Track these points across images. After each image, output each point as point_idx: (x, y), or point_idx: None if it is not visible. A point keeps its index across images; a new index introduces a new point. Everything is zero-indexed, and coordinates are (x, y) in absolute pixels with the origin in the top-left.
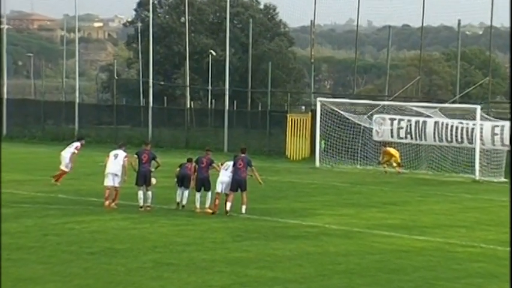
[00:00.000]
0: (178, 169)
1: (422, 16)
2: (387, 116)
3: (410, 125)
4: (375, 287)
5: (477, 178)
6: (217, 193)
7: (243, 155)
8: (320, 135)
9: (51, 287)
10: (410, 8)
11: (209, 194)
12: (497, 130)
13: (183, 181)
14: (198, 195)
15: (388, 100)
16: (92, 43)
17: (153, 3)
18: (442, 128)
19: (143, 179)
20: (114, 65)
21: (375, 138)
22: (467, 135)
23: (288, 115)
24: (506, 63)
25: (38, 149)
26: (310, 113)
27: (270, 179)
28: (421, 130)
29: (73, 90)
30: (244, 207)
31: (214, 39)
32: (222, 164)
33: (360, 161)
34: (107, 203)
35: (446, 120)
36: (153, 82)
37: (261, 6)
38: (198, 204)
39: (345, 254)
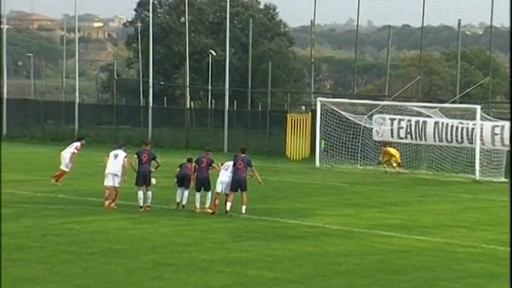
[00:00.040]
0: (178, 169)
1: (422, 16)
2: (387, 116)
3: (411, 125)
4: None
5: (477, 178)
6: (217, 193)
7: (243, 155)
8: (320, 135)
9: (51, 287)
10: (411, 8)
11: (209, 194)
12: (498, 130)
13: (183, 181)
14: (198, 195)
15: (388, 100)
16: (91, 43)
17: (153, 3)
18: (442, 128)
19: (143, 179)
20: (114, 65)
21: (375, 138)
22: (467, 135)
23: (288, 115)
24: (506, 63)
25: (38, 149)
26: (310, 113)
27: (270, 179)
28: (421, 130)
29: (73, 90)
30: (244, 207)
31: (214, 39)
32: (222, 164)
33: (360, 161)
34: (106, 203)
35: (446, 120)
36: (153, 82)
37: (261, 6)
38: (198, 205)
39: (345, 254)
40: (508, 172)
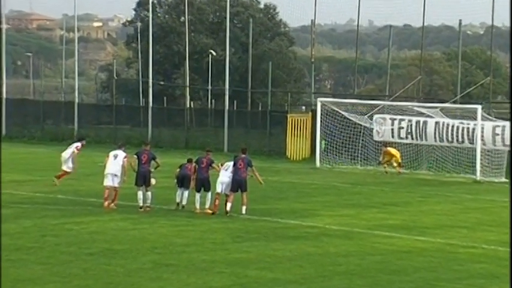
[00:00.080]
0: (178, 170)
1: (423, 16)
2: (388, 116)
3: (411, 125)
4: None
5: (478, 178)
6: (217, 193)
7: (243, 155)
8: (320, 136)
9: None
10: (411, 8)
11: (209, 194)
12: (499, 130)
13: (183, 181)
14: (198, 195)
15: (388, 100)
16: (91, 43)
17: (152, 2)
18: (443, 128)
19: (143, 180)
20: (114, 64)
21: (376, 138)
22: (468, 135)
23: (288, 115)
24: (507, 63)
25: (37, 149)
26: (310, 113)
27: (270, 179)
28: (422, 130)
29: (72, 90)
30: (244, 207)
31: (214, 39)
32: (222, 165)
33: (361, 161)
34: (106, 203)
35: (447, 120)
36: (152, 82)
37: (261, 6)
38: (197, 205)
39: (345, 254)
40: (509, 172)
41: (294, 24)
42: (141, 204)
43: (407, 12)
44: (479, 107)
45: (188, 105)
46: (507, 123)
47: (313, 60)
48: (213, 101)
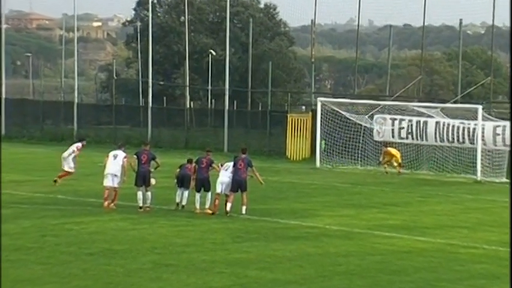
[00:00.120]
0: (178, 170)
1: (423, 15)
2: (388, 116)
3: (412, 125)
4: None
5: (479, 179)
6: (217, 194)
7: (243, 155)
8: (320, 136)
9: None
10: (412, 8)
11: (209, 194)
12: (499, 130)
13: (183, 182)
14: (197, 195)
15: (389, 100)
16: (90, 43)
17: (152, 2)
18: (443, 128)
19: (142, 180)
20: (113, 64)
21: (376, 138)
22: (468, 135)
23: (288, 115)
24: (508, 62)
25: (37, 149)
26: (310, 113)
27: (270, 179)
28: (422, 130)
29: (72, 90)
30: (244, 207)
31: (214, 39)
32: (222, 165)
33: (361, 161)
34: (106, 203)
35: (447, 120)
36: (152, 82)
37: (261, 6)
38: (197, 205)
39: (345, 255)
40: (509, 172)
41: (294, 24)
42: (140, 205)
43: (407, 12)
44: (479, 107)
45: (188, 105)
46: (508, 123)
47: (313, 60)
48: (213, 101)
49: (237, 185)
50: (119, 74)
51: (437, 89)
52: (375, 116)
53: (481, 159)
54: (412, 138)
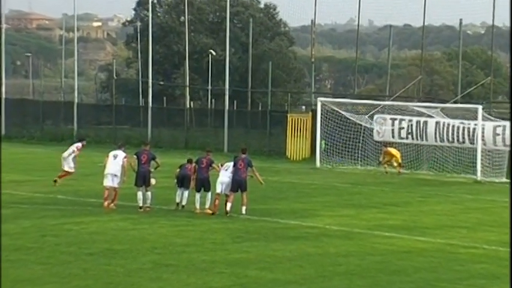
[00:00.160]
0: (178, 170)
1: (423, 15)
2: (388, 116)
3: (412, 125)
4: None
5: (479, 179)
6: (217, 194)
7: (243, 155)
8: (320, 136)
9: None
10: (412, 8)
11: (209, 194)
12: (499, 130)
13: (183, 182)
14: (197, 195)
15: (389, 100)
16: (90, 43)
17: (152, 2)
18: (443, 128)
19: (142, 180)
20: (113, 64)
21: (376, 138)
22: (468, 135)
23: (288, 115)
24: (508, 62)
25: (37, 149)
26: (310, 113)
27: (270, 179)
28: (422, 130)
29: (72, 90)
30: (244, 208)
31: (214, 39)
32: (222, 165)
33: (361, 161)
34: (106, 203)
35: (447, 120)
36: (152, 82)
37: (261, 6)
38: (197, 205)
39: (345, 255)
40: (509, 172)
41: (294, 24)
42: (140, 205)
43: (407, 12)
44: (479, 107)
45: (188, 105)
46: (508, 123)
47: (313, 60)
48: (213, 101)
49: (237, 185)
50: (119, 74)
51: (437, 89)
52: (375, 116)
53: (481, 159)
54: (412, 138)
